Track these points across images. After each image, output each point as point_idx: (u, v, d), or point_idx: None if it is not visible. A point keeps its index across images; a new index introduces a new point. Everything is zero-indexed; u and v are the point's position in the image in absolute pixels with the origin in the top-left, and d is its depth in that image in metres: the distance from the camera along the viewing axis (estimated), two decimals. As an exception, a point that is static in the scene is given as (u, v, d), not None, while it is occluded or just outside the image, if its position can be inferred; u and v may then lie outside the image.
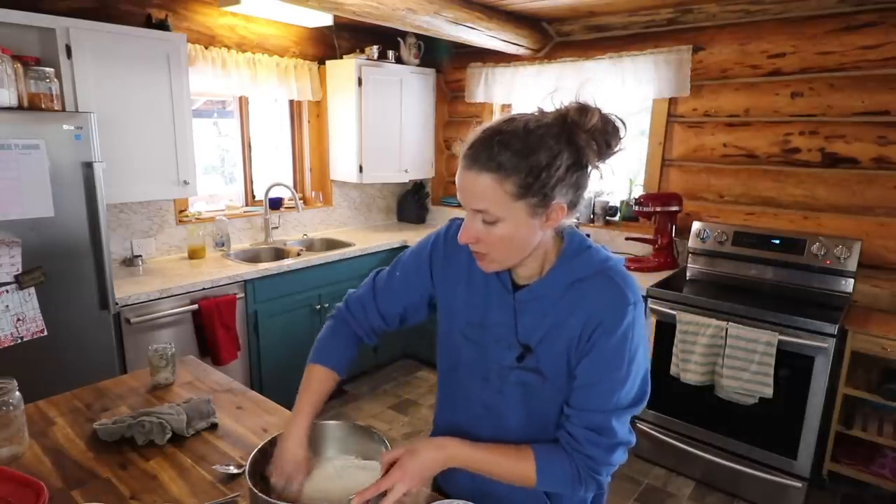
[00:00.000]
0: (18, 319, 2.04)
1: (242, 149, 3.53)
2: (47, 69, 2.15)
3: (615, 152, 0.89)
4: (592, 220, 3.59)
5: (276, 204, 3.64)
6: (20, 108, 2.07)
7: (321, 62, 3.69)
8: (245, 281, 2.84)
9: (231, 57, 3.17)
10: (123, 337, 2.42)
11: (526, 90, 3.67)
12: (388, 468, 0.94)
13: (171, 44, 2.64)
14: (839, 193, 2.74)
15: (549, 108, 0.89)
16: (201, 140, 3.38)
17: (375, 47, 3.66)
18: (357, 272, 3.37)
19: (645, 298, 2.70)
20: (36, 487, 1.02)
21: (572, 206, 0.91)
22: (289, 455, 1.03)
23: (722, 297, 2.59)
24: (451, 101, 4.24)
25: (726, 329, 2.44)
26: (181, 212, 3.17)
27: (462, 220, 0.97)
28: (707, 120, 3.09)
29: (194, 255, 3.11)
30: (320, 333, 1.18)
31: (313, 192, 3.94)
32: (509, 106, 3.93)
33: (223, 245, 3.28)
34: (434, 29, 2.89)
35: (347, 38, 3.80)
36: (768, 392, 2.36)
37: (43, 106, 2.14)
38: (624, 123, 0.89)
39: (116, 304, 2.33)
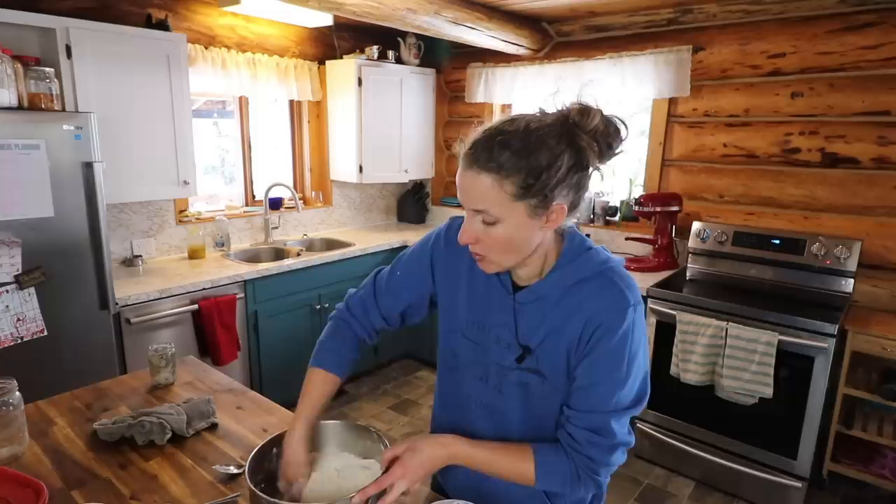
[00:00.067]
0: (18, 319, 2.04)
1: (242, 149, 3.53)
2: (47, 69, 2.15)
3: (616, 153, 0.89)
4: (592, 220, 3.59)
5: (276, 204, 3.64)
6: (20, 108, 2.07)
7: (321, 62, 3.69)
8: (245, 281, 2.84)
9: (231, 57, 3.17)
10: (123, 337, 2.42)
11: (526, 90, 3.67)
12: (389, 465, 0.94)
13: (171, 44, 2.64)
14: (839, 193, 2.74)
15: (551, 108, 0.89)
16: (201, 140, 3.38)
17: (375, 47, 3.66)
18: (357, 272, 3.37)
19: (645, 298, 2.70)
20: (36, 487, 1.02)
21: (573, 207, 0.91)
22: (289, 458, 1.04)
23: (722, 297, 2.59)
24: (451, 101, 4.24)
25: (726, 329, 2.44)
26: (181, 212, 3.18)
27: (462, 218, 0.96)
28: (707, 120, 3.09)
29: (194, 255, 3.12)
30: (321, 335, 1.18)
31: (313, 192, 3.94)
32: (509, 106, 3.93)
33: (223, 245, 3.28)
34: (434, 29, 2.89)
35: (347, 38, 3.80)
36: (768, 392, 2.36)
37: (43, 106, 2.14)
38: (625, 125, 0.88)
39: (116, 304, 2.33)
